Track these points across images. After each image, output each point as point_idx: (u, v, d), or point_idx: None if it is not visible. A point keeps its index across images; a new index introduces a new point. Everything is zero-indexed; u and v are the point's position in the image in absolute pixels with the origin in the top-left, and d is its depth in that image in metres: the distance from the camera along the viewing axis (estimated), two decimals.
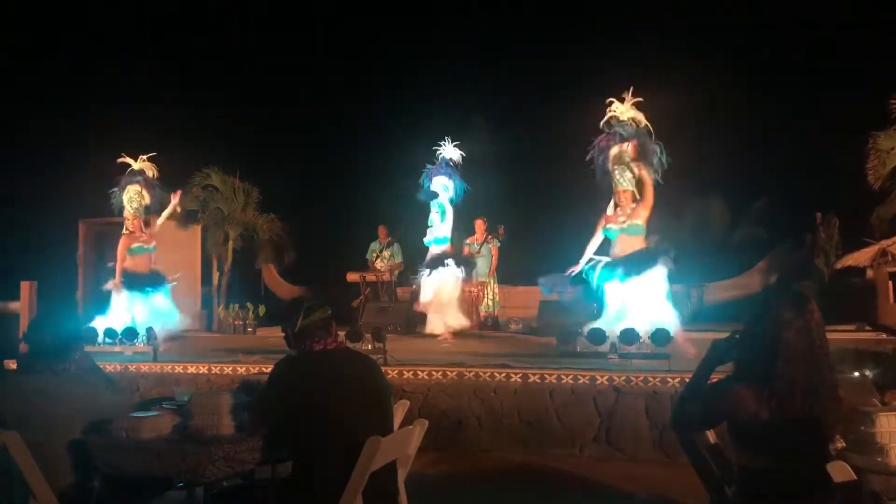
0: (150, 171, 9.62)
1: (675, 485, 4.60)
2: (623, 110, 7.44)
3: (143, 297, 9.13)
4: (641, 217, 7.22)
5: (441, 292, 9.59)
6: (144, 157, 9.66)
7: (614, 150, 7.34)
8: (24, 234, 14.07)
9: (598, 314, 7.31)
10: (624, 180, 7.32)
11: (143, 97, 14.99)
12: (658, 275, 7.10)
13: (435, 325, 9.59)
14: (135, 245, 9.21)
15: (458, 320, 9.63)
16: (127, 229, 9.31)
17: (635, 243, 7.22)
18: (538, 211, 14.82)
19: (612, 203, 7.47)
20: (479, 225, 11.48)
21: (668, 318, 6.91)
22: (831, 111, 13.16)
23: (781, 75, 14.47)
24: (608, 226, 7.34)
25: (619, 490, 4.89)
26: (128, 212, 9.35)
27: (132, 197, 9.39)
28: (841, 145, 11.92)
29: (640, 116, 7.47)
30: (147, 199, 9.55)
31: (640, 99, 7.52)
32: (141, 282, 9.17)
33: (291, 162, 16.37)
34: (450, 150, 10.04)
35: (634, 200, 7.32)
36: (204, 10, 16.87)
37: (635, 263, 7.09)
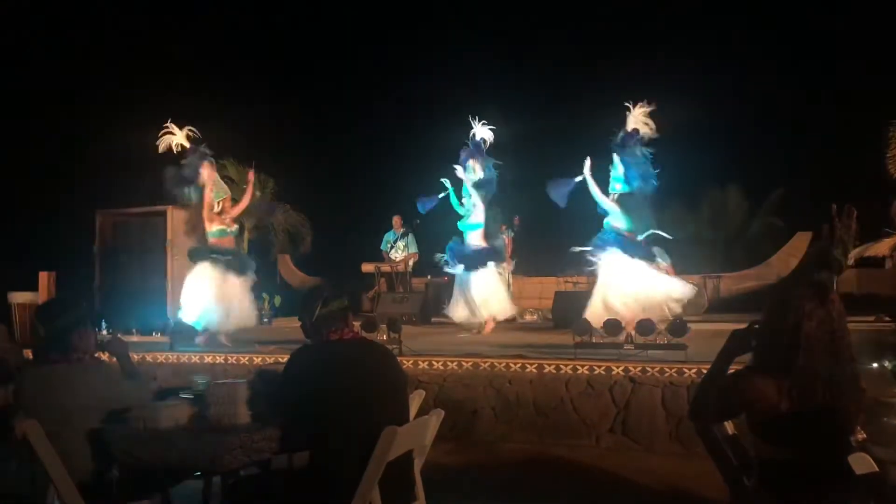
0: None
1: (692, 476, 4.60)
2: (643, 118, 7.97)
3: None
4: None
5: (486, 287, 9.20)
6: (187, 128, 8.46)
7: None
8: (41, 225, 14.17)
9: None
10: None
11: (158, 86, 15.04)
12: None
13: (479, 313, 9.16)
14: (217, 228, 8.27)
15: (506, 309, 9.43)
16: (220, 210, 8.32)
17: None
18: (553, 201, 14.72)
19: None
20: None
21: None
22: (850, 100, 13.03)
23: (799, 64, 14.32)
24: None
25: (634, 481, 4.87)
26: (220, 194, 8.38)
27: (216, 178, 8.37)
28: (859, 135, 11.81)
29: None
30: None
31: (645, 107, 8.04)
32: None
33: (307, 153, 16.41)
34: (481, 130, 9.46)
35: None
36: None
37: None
